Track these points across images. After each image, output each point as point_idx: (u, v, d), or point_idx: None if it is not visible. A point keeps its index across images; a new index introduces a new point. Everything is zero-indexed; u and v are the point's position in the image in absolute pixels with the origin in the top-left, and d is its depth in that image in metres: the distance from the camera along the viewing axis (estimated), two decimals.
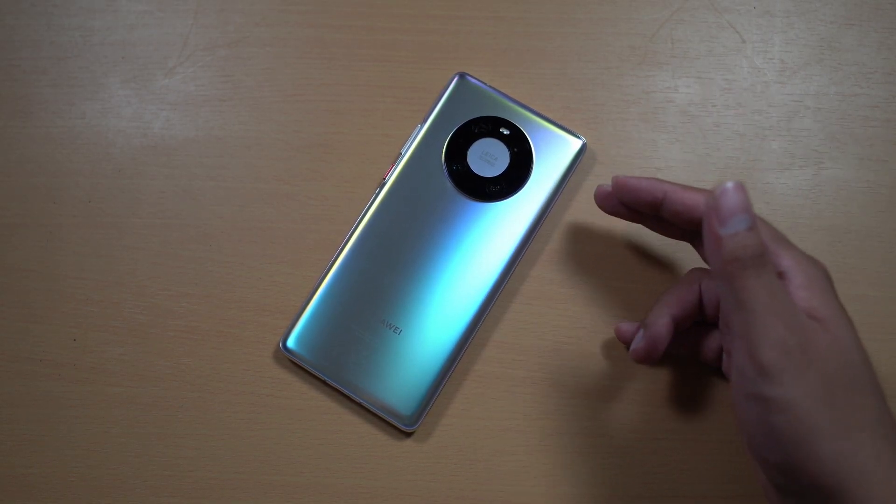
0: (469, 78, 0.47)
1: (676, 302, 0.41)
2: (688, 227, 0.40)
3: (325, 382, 0.44)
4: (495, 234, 0.45)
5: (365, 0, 0.50)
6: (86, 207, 0.47)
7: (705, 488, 0.43)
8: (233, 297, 0.46)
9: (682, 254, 0.46)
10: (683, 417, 0.44)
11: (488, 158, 0.46)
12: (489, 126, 0.47)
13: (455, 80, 0.47)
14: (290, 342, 0.44)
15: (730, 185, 0.33)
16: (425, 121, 0.47)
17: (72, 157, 0.48)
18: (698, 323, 0.42)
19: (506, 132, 0.47)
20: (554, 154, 0.46)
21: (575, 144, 0.47)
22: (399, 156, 0.46)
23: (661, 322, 0.40)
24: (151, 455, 0.44)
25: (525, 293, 0.46)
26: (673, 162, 0.47)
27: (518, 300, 0.46)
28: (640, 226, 0.44)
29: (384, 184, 0.46)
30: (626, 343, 0.42)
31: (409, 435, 0.44)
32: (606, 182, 0.42)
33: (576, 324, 0.45)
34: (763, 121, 0.48)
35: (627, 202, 0.41)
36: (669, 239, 0.44)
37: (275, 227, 0.47)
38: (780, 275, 0.35)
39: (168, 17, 0.50)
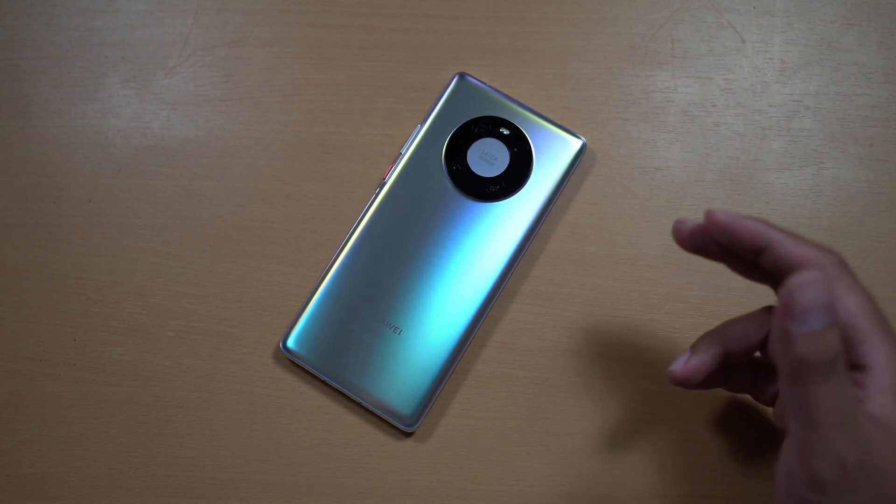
0: (469, 78, 0.47)
1: (739, 337, 0.37)
2: None
3: (325, 382, 0.44)
4: (495, 234, 0.45)
5: (365, 0, 0.50)
6: (86, 207, 0.47)
7: (706, 488, 0.43)
8: (233, 297, 0.46)
9: (681, 254, 0.46)
10: (684, 418, 0.44)
11: (488, 158, 0.46)
12: (489, 126, 0.47)
13: (455, 80, 0.47)
14: (290, 342, 0.44)
15: (811, 275, 0.29)
16: (425, 121, 0.47)
17: (72, 157, 0.48)
18: (756, 361, 0.40)
19: (506, 132, 0.47)
20: (554, 154, 0.46)
21: (575, 144, 0.47)
22: (399, 156, 0.46)
23: (710, 353, 0.37)
24: (151, 455, 0.44)
25: (525, 293, 0.46)
26: (673, 162, 0.47)
27: (518, 300, 0.46)
28: (638, 227, 0.45)
29: (384, 184, 0.46)
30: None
31: (409, 435, 0.44)
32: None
33: (576, 324, 0.45)
34: (763, 121, 0.48)
35: (723, 243, 0.36)
36: (668, 241, 0.44)
37: (275, 227, 0.47)
38: (864, 369, 0.32)
39: (168, 17, 0.50)
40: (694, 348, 0.37)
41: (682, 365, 0.37)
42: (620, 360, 0.45)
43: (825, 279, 0.29)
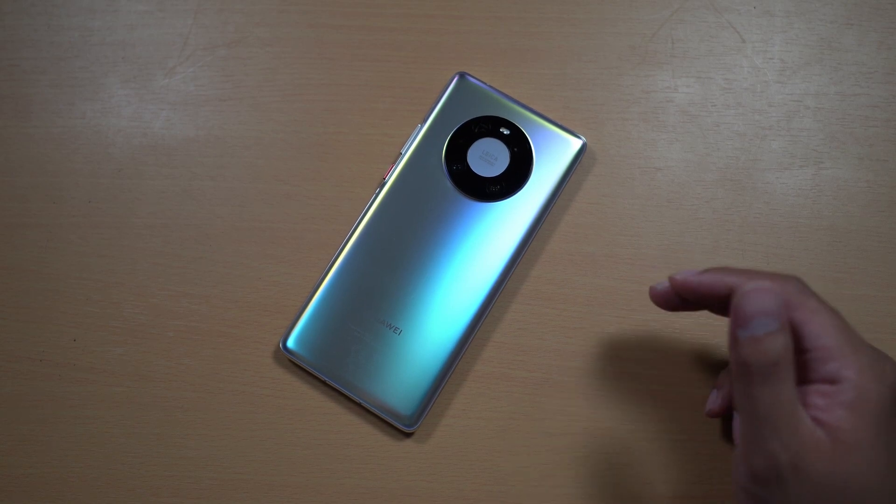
0: (469, 78, 0.47)
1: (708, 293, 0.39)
2: None
3: (325, 382, 0.44)
4: (495, 234, 0.45)
5: (365, 0, 0.50)
6: (86, 207, 0.47)
7: (706, 489, 0.43)
8: (233, 297, 0.46)
9: (681, 254, 0.46)
10: (684, 418, 0.44)
11: (488, 158, 0.46)
12: (489, 126, 0.47)
13: (455, 80, 0.47)
14: (290, 342, 0.44)
15: (759, 285, 0.33)
16: (425, 121, 0.47)
17: (72, 157, 0.48)
18: None
19: (506, 132, 0.47)
20: (554, 154, 0.46)
21: (575, 144, 0.47)
22: (399, 156, 0.46)
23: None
24: (151, 455, 0.44)
25: (525, 293, 0.46)
26: (673, 162, 0.47)
27: (518, 300, 0.46)
28: (638, 227, 0.45)
29: (384, 184, 0.46)
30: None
31: (409, 435, 0.44)
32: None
33: (576, 324, 0.45)
34: (763, 121, 0.48)
35: (693, 301, 0.39)
36: (668, 241, 0.44)
37: (275, 227, 0.47)
38: (836, 383, 0.34)
39: (168, 17, 0.50)
40: (708, 270, 0.38)
41: (717, 401, 0.42)
42: (620, 360, 0.45)
43: (773, 290, 0.33)
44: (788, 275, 0.36)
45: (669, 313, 0.45)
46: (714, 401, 0.42)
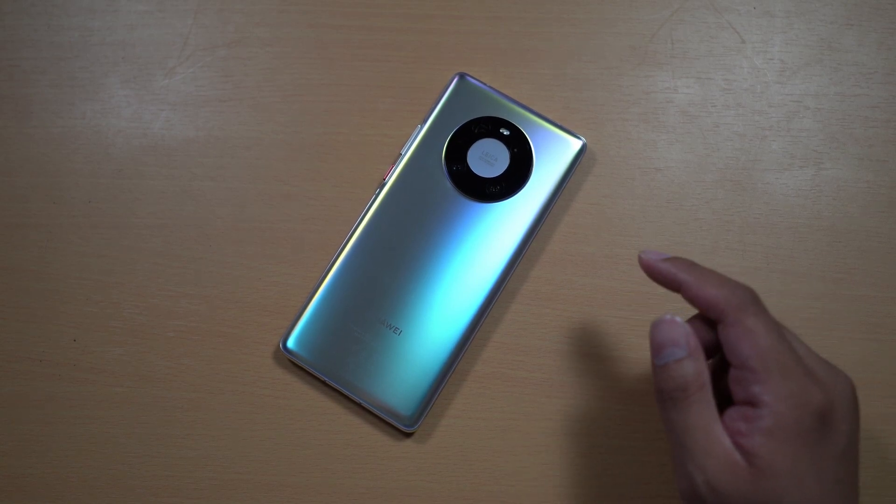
0: (469, 78, 0.47)
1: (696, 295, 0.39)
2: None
3: (325, 383, 0.44)
4: (495, 234, 0.45)
5: (365, 0, 0.50)
6: (86, 207, 0.47)
7: None
8: (233, 297, 0.46)
9: (681, 254, 0.46)
10: None
11: (488, 159, 0.46)
12: (489, 126, 0.47)
13: (455, 80, 0.47)
14: (290, 342, 0.44)
15: (667, 318, 0.36)
16: (425, 121, 0.47)
17: (72, 158, 0.48)
18: None
19: (506, 132, 0.47)
20: (554, 154, 0.46)
21: (575, 145, 0.47)
22: (399, 156, 0.46)
23: (674, 274, 0.39)
24: (151, 455, 0.44)
25: (525, 293, 0.46)
26: (673, 162, 0.47)
27: (518, 300, 0.46)
28: (638, 227, 0.44)
29: (384, 184, 0.46)
30: None
31: (409, 435, 0.44)
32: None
33: (575, 324, 0.45)
34: (763, 121, 0.48)
35: (653, 280, 0.39)
36: (668, 241, 0.44)
37: (275, 227, 0.47)
38: (758, 406, 0.34)
39: (168, 17, 0.50)
40: (671, 260, 0.38)
41: (653, 258, 0.38)
42: (620, 360, 0.45)
43: (677, 322, 0.35)
44: (741, 285, 0.36)
45: (670, 313, 0.45)
46: (655, 256, 0.38)
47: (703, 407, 0.35)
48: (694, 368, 0.35)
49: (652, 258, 0.38)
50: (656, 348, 0.36)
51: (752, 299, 0.36)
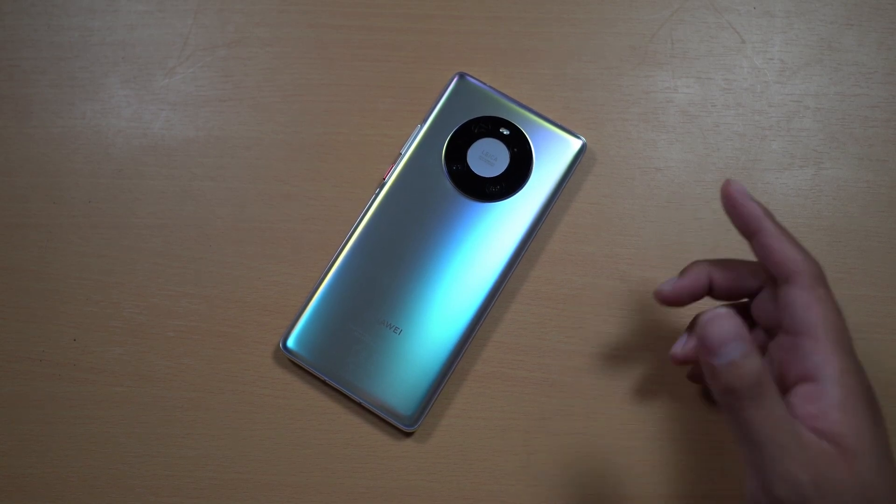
0: (469, 78, 0.47)
1: (729, 276, 0.39)
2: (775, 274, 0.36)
3: (325, 382, 0.44)
4: (495, 234, 0.45)
5: (365, 0, 0.50)
6: (86, 207, 0.47)
7: (706, 488, 0.43)
8: (233, 297, 0.46)
9: (681, 254, 0.46)
10: (683, 418, 0.44)
11: (488, 159, 0.46)
12: (489, 126, 0.47)
13: (455, 80, 0.47)
14: (290, 342, 0.44)
15: (721, 311, 0.31)
16: (425, 121, 0.47)
17: (72, 157, 0.48)
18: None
19: (506, 132, 0.47)
20: (554, 154, 0.46)
21: (575, 144, 0.47)
22: (399, 156, 0.47)
23: (696, 278, 0.39)
24: (151, 455, 0.44)
25: (525, 293, 0.46)
26: (673, 162, 0.47)
27: (518, 300, 0.46)
28: (638, 227, 0.44)
29: (384, 184, 0.46)
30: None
31: (409, 435, 0.44)
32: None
33: (575, 324, 0.45)
34: (763, 121, 0.48)
35: (725, 212, 0.37)
36: (668, 241, 0.44)
37: (275, 227, 0.47)
38: (814, 381, 0.33)
39: (168, 17, 0.50)
40: (683, 272, 0.39)
41: (671, 286, 0.39)
42: (620, 360, 0.45)
43: (731, 313, 0.31)
44: (813, 258, 0.35)
45: (669, 313, 0.45)
46: (681, 345, 0.39)
47: (779, 399, 0.32)
48: (760, 361, 0.31)
49: (741, 191, 0.36)
50: (716, 345, 0.31)
51: (821, 271, 0.35)
